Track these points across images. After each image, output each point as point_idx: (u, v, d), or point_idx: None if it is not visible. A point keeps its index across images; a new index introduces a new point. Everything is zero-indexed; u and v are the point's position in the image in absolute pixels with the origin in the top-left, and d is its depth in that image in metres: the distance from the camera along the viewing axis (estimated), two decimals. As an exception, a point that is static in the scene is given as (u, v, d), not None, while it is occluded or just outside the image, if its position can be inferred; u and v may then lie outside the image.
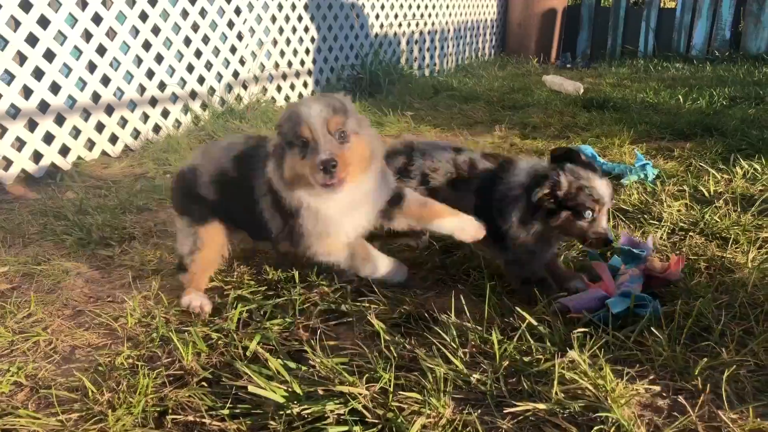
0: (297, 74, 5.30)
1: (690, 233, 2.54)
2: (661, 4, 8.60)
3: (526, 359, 1.69)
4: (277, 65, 5.05)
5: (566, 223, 1.98)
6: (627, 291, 1.90)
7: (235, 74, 4.68)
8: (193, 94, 4.35)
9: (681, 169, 3.40)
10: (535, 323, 1.82)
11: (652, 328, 1.78)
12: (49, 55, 3.44)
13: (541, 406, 1.51)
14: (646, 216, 2.74)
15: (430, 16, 7.01)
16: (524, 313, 1.85)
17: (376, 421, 1.49)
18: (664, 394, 1.59)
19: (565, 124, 4.63)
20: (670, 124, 4.42)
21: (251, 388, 1.56)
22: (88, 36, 3.64)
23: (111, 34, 3.76)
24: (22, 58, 3.34)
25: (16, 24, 3.28)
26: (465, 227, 2.08)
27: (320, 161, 1.77)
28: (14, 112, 3.33)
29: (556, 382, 1.56)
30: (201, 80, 4.40)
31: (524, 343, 1.76)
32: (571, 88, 6.02)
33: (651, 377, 1.64)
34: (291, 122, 1.87)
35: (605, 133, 4.31)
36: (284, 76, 5.16)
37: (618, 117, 4.80)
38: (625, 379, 1.62)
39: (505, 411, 1.51)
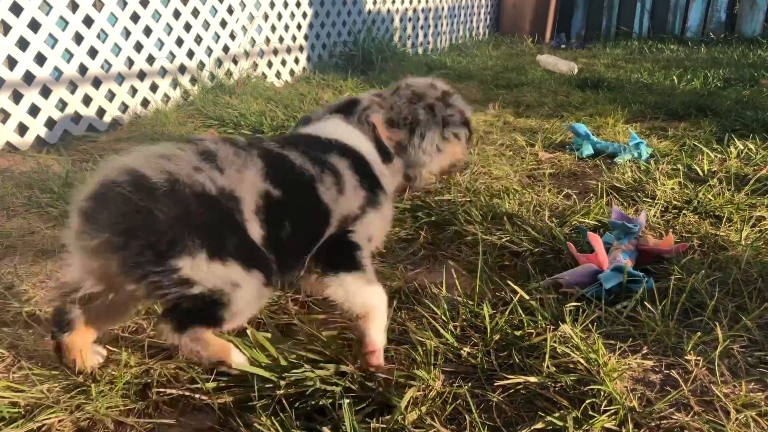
0: (288, 50, 5.23)
1: (684, 211, 2.52)
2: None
3: (517, 333, 1.67)
4: (268, 40, 4.98)
5: None
6: (619, 266, 1.87)
7: (226, 49, 4.60)
8: (183, 69, 4.27)
9: (675, 149, 3.38)
10: (526, 297, 1.79)
11: (645, 303, 1.76)
12: (34, 25, 3.37)
13: (533, 379, 1.49)
14: (639, 194, 2.72)
15: (424, -7, 6.94)
16: (516, 287, 1.82)
17: (366, 394, 1.46)
18: (656, 369, 1.57)
19: (559, 103, 4.59)
20: (664, 104, 4.39)
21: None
22: (74, 6, 3.56)
23: (98, 5, 3.68)
24: (6, 28, 3.26)
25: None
26: None
27: None
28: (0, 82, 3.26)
29: (547, 356, 1.54)
30: (190, 54, 4.33)
31: (515, 317, 1.74)
32: (565, 68, 5.97)
33: (644, 352, 1.62)
34: None
35: (599, 112, 4.27)
36: (275, 52, 5.09)
37: (612, 97, 4.77)
38: (618, 353, 1.60)
39: (496, 384, 1.49)
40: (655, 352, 1.63)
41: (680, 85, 5.12)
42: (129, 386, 1.53)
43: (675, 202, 2.61)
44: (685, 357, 1.59)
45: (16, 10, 3.27)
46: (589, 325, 1.69)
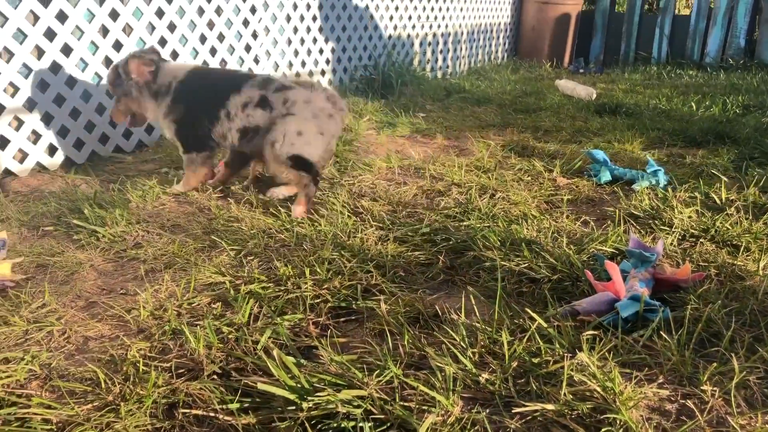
0: (311, 74, 5.33)
1: (701, 240, 2.54)
2: (676, 11, 8.58)
3: (535, 360, 1.70)
4: (290, 65, 5.08)
5: None
6: (636, 294, 1.90)
7: (249, 72, 4.70)
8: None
9: (693, 176, 3.40)
10: (544, 324, 1.82)
11: (661, 332, 1.79)
12: (66, 50, 3.48)
13: (550, 406, 1.52)
14: (656, 221, 2.75)
15: (443, 18, 7.02)
16: (534, 314, 1.85)
17: (385, 417, 1.50)
18: (672, 398, 1.59)
19: (577, 129, 4.63)
20: (682, 130, 4.41)
21: (261, 386, 1.58)
22: (105, 31, 3.67)
23: (127, 30, 3.79)
24: (40, 52, 3.37)
25: (34, 18, 3.31)
26: None
27: None
28: (30, 107, 3.36)
29: (564, 384, 1.57)
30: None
31: (533, 345, 1.77)
32: (583, 93, 6.01)
33: (659, 381, 1.64)
34: None
35: (617, 138, 4.30)
36: (298, 76, 5.18)
37: (630, 123, 4.80)
38: (634, 382, 1.62)
39: (513, 411, 1.52)
40: (671, 381, 1.65)
41: (699, 111, 5.14)
42: (156, 406, 1.57)
43: (692, 231, 2.63)
44: (701, 387, 1.61)
45: (50, 35, 3.38)
46: (606, 354, 1.72)
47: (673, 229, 2.64)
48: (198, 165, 3.10)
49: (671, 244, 2.51)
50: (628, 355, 1.74)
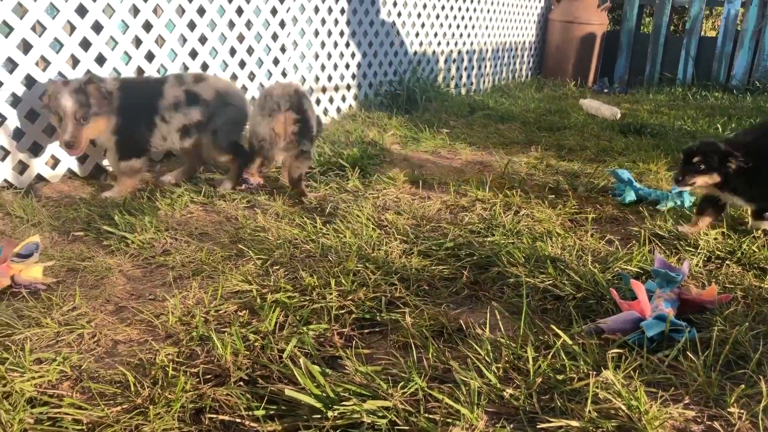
0: (336, 88, 5.38)
1: (726, 262, 2.53)
2: (702, 33, 8.55)
3: (559, 377, 1.70)
4: (317, 79, 5.14)
5: None
6: (662, 314, 1.90)
7: (277, 85, 4.76)
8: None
9: (719, 198, 3.38)
10: (569, 342, 1.83)
11: (687, 353, 1.78)
12: (101, 60, 3.56)
13: (575, 423, 1.52)
14: (681, 242, 2.73)
15: (469, 36, 7.07)
16: (559, 331, 1.86)
17: (409, 428, 1.51)
18: (698, 420, 1.58)
19: (602, 148, 4.62)
20: (708, 152, 4.38)
21: (288, 393, 1.60)
22: (138, 42, 3.75)
23: (159, 41, 3.87)
24: (75, 61, 3.45)
25: (71, 28, 3.40)
26: None
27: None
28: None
29: (589, 401, 1.57)
30: (244, 90, 4.49)
31: (558, 361, 1.77)
32: (608, 113, 6.00)
33: (685, 402, 1.64)
34: None
35: (642, 158, 4.29)
36: (324, 90, 5.24)
37: (655, 143, 4.79)
38: (659, 401, 1.62)
39: (538, 426, 1.53)
40: (697, 402, 1.65)
41: (725, 133, 5.11)
42: (184, 410, 1.60)
43: (718, 252, 2.62)
44: (728, 409, 1.60)
45: (85, 44, 3.46)
46: (631, 372, 1.72)
47: (698, 251, 2.63)
48: (136, 171, 3.32)
49: (696, 265, 2.50)
50: (653, 374, 1.73)
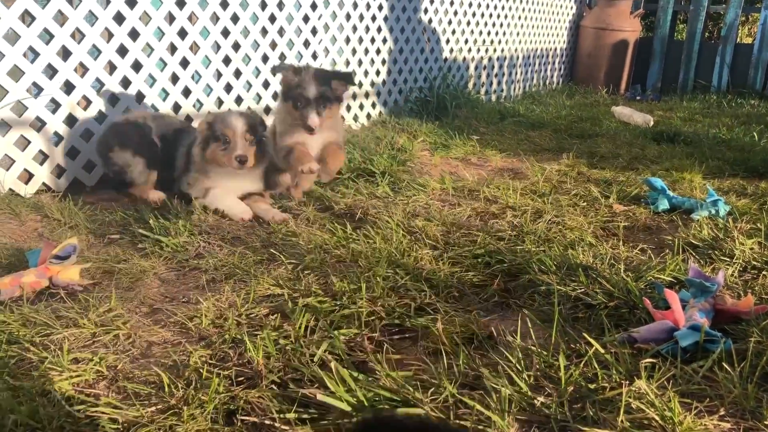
0: (366, 95, 5.41)
1: (763, 272, 2.48)
2: (738, 40, 8.42)
3: (591, 386, 1.69)
4: (354, 96, 5.17)
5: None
6: (696, 324, 1.87)
7: (308, 92, 4.80)
8: (267, 110, 4.48)
9: (754, 207, 3.32)
10: (602, 350, 1.81)
11: (723, 364, 1.75)
12: (137, 66, 3.63)
13: (607, 433, 1.51)
14: (716, 252, 2.69)
15: (500, 42, 7.05)
16: (591, 340, 1.84)
17: (441, 434, 1.51)
18: (734, 432, 1.56)
19: (634, 156, 4.58)
20: (743, 161, 4.32)
21: (320, 397, 1.61)
22: (173, 49, 3.82)
23: (194, 48, 3.93)
24: (112, 68, 3.53)
25: (109, 35, 3.47)
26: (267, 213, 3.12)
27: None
28: (101, 119, 3.50)
29: (622, 411, 1.56)
30: (275, 96, 4.53)
31: (590, 370, 1.76)
32: (640, 120, 5.94)
33: (720, 413, 1.61)
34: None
35: (675, 166, 4.24)
36: (354, 97, 5.27)
37: (689, 151, 4.72)
38: (694, 413, 1.60)
39: (569, 435, 1.52)
40: (733, 414, 1.62)
41: (761, 142, 5.03)
42: (217, 411, 1.62)
43: (754, 262, 2.57)
44: (765, 422, 1.57)
45: (122, 51, 3.54)
46: (665, 382, 1.70)
47: (734, 260, 2.59)
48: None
49: (732, 275, 2.46)
50: (687, 385, 1.71)
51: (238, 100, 4.26)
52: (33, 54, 3.20)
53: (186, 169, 3.25)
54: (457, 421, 1.56)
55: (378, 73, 5.48)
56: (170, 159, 3.32)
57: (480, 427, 1.54)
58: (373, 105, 5.52)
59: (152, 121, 3.37)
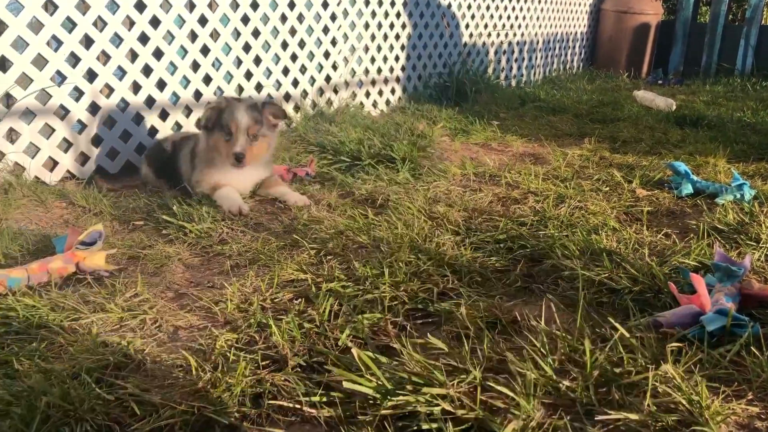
0: (386, 81, 5.39)
1: (791, 256, 2.45)
2: (763, 21, 8.27)
3: (617, 370, 1.68)
4: (367, 71, 5.16)
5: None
6: (723, 309, 1.86)
7: (328, 79, 4.81)
8: (287, 97, 4.49)
9: (781, 191, 3.28)
10: (627, 334, 1.80)
11: (751, 348, 1.74)
12: (158, 53, 3.64)
13: (633, 416, 1.50)
14: (742, 236, 2.66)
15: (519, 27, 6.99)
16: (617, 324, 1.83)
17: (467, 417, 1.51)
18: (763, 416, 1.55)
19: (657, 140, 4.53)
20: (769, 144, 4.26)
21: (346, 384, 1.62)
22: (193, 36, 3.83)
23: (214, 35, 3.94)
24: (134, 56, 3.55)
25: (130, 23, 3.49)
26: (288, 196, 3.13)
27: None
28: (124, 106, 3.53)
29: (648, 395, 1.55)
30: (295, 83, 4.54)
31: (615, 354, 1.75)
32: (662, 104, 5.87)
33: (749, 398, 1.60)
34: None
35: (699, 150, 4.19)
36: (373, 82, 5.26)
37: (713, 135, 4.66)
38: (721, 397, 1.58)
39: (596, 419, 1.51)
40: (761, 398, 1.61)
41: (787, 125, 4.95)
42: (244, 394, 1.64)
43: (782, 247, 2.54)
44: (794, 406, 1.56)
45: (143, 39, 3.56)
46: (692, 367, 1.69)
47: (760, 245, 2.56)
48: None
49: (758, 259, 2.44)
50: (714, 369, 1.70)
51: (258, 87, 4.27)
52: (56, 42, 3.23)
53: (192, 168, 3.20)
54: (483, 405, 1.56)
55: (397, 58, 5.46)
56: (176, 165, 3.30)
57: (505, 408, 1.54)
58: (392, 91, 5.50)
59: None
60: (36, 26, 3.12)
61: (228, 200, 2.96)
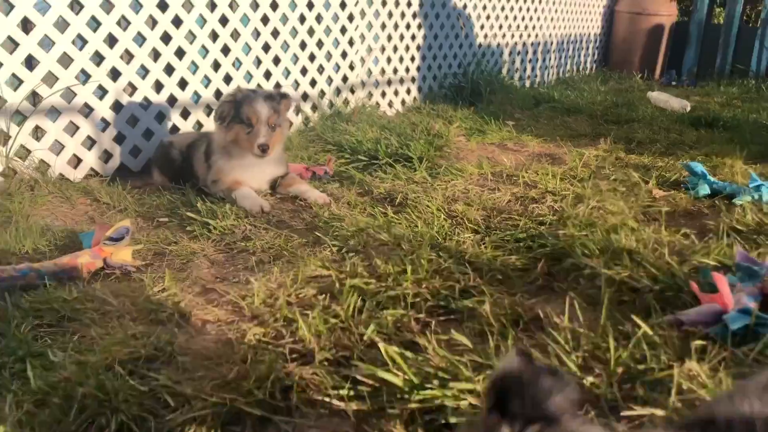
0: (401, 81, 5.42)
1: (811, 257, 2.46)
2: (778, 23, 8.23)
3: (640, 367, 1.70)
4: (383, 71, 5.18)
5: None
6: (747, 308, 1.87)
7: (345, 79, 4.84)
8: (305, 96, 4.53)
9: (799, 193, 3.28)
10: (650, 332, 1.82)
11: (774, 347, 1.76)
12: (180, 53, 3.69)
13: (659, 412, 1.52)
14: (762, 237, 2.67)
15: (534, 28, 7.00)
16: (640, 322, 1.86)
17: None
18: (786, 413, 1.56)
19: (672, 141, 4.54)
20: (786, 146, 4.26)
21: (379, 372, 1.65)
22: (214, 36, 3.87)
23: (235, 35, 3.98)
24: (156, 54, 3.59)
25: (153, 23, 3.54)
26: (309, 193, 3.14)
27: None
28: (146, 105, 3.58)
29: (674, 391, 1.57)
30: (313, 83, 4.58)
31: (638, 351, 1.77)
32: (677, 106, 5.87)
33: (772, 395, 1.62)
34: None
35: (715, 152, 4.19)
36: (389, 83, 5.29)
37: (728, 136, 4.66)
38: (745, 394, 1.60)
39: (621, 414, 1.54)
40: (784, 396, 1.62)
41: (803, 127, 4.94)
42: (274, 387, 1.67)
43: (801, 248, 2.55)
44: (817, 403, 1.58)
45: (166, 39, 3.60)
46: (716, 364, 1.71)
47: (780, 246, 2.57)
48: None
49: (778, 260, 2.45)
50: (738, 367, 1.72)
51: (277, 87, 4.31)
52: (81, 41, 3.27)
53: (208, 166, 3.21)
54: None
55: (413, 59, 5.49)
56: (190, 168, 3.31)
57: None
58: (408, 91, 5.53)
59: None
60: (62, 25, 3.17)
61: (249, 200, 2.99)
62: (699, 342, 1.79)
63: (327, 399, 1.65)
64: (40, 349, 1.81)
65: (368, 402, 1.62)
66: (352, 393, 1.66)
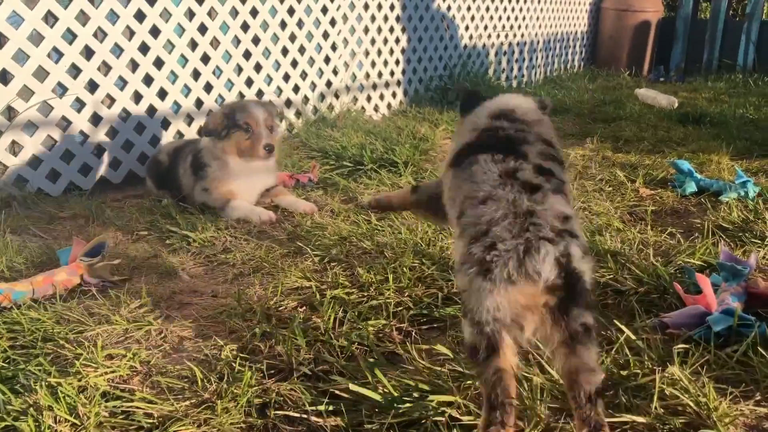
0: (387, 85, 5.39)
1: (797, 254, 2.44)
2: (764, 17, 8.24)
3: (623, 373, 1.68)
4: (368, 76, 5.16)
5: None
6: (730, 309, 1.85)
7: (328, 84, 4.81)
8: (288, 102, 4.50)
9: (786, 188, 3.26)
10: (633, 337, 1.80)
11: (758, 348, 1.73)
12: (159, 63, 3.65)
13: (641, 419, 1.50)
14: (747, 234, 2.65)
15: (519, 27, 6.98)
16: (622, 326, 1.83)
17: (474, 423, 1.51)
18: (771, 417, 1.54)
19: (659, 138, 4.52)
20: (773, 141, 4.24)
21: (352, 387, 1.61)
22: (194, 45, 3.83)
23: (214, 43, 3.95)
24: (134, 66, 3.56)
25: (130, 34, 3.50)
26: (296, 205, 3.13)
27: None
28: (125, 116, 3.54)
29: (656, 397, 1.54)
30: (296, 89, 4.55)
31: (621, 357, 1.74)
32: (664, 102, 5.86)
33: (757, 398, 1.59)
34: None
35: (702, 148, 4.18)
36: (374, 87, 5.26)
37: (715, 132, 4.65)
38: (729, 398, 1.58)
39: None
40: (769, 399, 1.60)
41: (792, 120, 4.93)
42: (250, 404, 1.63)
43: (787, 245, 2.53)
44: (802, 406, 1.55)
45: (144, 49, 3.56)
46: (698, 368, 1.68)
47: (765, 242, 2.55)
48: None
49: (764, 257, 2.43)
50: (721, 370, 1.69)
51: (259, 94, 4.27)
52: (57, 54, 3.23)
53: (197, 177, 3.17)
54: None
55: (397, 62, 5.46)
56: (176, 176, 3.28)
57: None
58: (394, 95, 5.50)
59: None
60: (36, 38, 3.13)
61: (253, 213, 2.99)
62: (682, 346, 1.76)
63: (305, 415, 1.61)
64: (12, 372, 1.77)
65: (346, 418, 1.58)
66: (330, 408, 1.62)
